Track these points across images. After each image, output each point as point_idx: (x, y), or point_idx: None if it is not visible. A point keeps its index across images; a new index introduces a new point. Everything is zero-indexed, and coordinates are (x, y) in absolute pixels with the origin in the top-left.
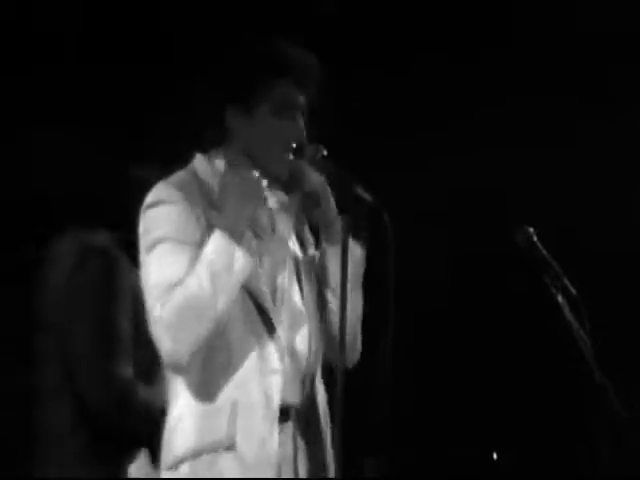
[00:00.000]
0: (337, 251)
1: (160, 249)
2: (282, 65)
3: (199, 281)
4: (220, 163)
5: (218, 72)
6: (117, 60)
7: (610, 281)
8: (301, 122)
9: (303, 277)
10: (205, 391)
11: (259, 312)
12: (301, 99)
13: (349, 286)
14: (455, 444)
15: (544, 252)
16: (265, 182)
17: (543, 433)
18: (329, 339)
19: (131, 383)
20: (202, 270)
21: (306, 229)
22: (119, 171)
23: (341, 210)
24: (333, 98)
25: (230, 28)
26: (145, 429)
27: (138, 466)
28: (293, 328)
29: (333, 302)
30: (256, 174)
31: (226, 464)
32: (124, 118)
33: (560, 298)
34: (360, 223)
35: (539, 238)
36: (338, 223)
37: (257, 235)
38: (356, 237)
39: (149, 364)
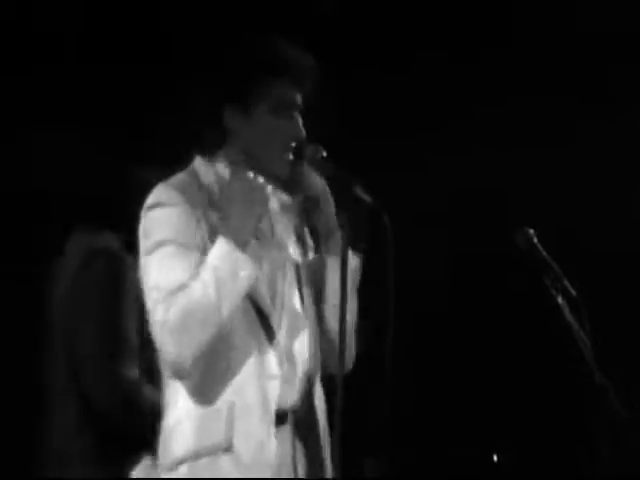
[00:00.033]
0: (335, 260)
1: (161, 252)
2: (278, 64)
3: (204, 287)
4: (220, 165)
5: (215, 72)
6: (117, 60)
7: (610, 282)
8: (299, 121)
9: (303, 282)
10: (204, 394)
11: (259, 316)
12: (298, 98)
13: (340, 292)
14: (455, 444)
15: (544, 253)
16: (270, 188)
17: (543, 433)
18: (326, 345)
19: (136, 384)
20: (207, 276)
21: (306, 233)
22: (120, 172)
23: (341, 210)
24: (333, 98)
25: (230, 28)
26: (150, 430)
27: (142, 467)
28: (292, 332)
29: (331, 308)
30: (260, 180)
31: (224, 466)
32: (124, 118)
33: (560, 299)
34: (359, 234)
35: (539, 239)
36: (337, 230)
37: (257, 238)
38: (354, 248)
39: (155, 365)
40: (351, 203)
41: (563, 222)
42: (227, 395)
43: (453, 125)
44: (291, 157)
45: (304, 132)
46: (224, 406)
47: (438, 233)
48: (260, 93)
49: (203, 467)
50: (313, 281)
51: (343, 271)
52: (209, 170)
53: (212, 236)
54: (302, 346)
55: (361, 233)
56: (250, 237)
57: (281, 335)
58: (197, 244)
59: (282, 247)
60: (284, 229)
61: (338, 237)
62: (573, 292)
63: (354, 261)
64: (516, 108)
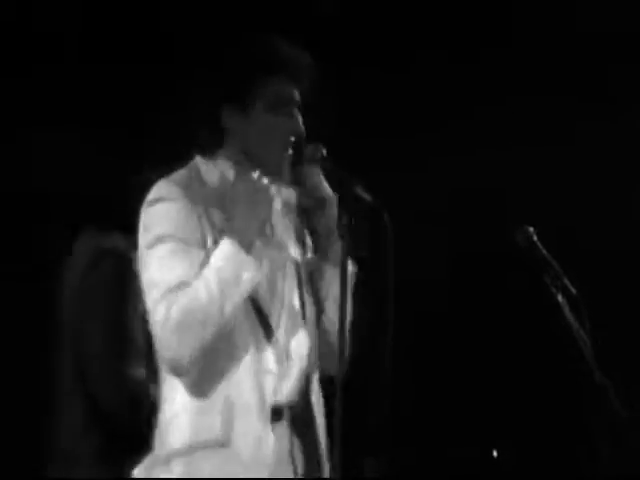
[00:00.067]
0: (330, 266)
1: (161, 248)
2: (274, 62)
3: (207, 286)
4: (224, 164)
5: (212, 72)
6: (117, 60)
7: (610, 281)
8: (298, 117)
9: (303, 281)
10: (201, 389)
11: (258, 314)
12: (296, 94)
13: (335, 305)
14: (455, 444)
15: (544, 252)
16: (273, 189)
17: (543, 433)
18: (324, 345)
19: (142, 384)
20: (210, 276)
21: (306, 233)
22: (120, 172)
23: (343, 214)
24: (333, 98)
25: (230, 28)
26: (146, 423)
27: (143, 466)
28: (291, 331)
29: (330, 311)
30: (265, 181)
31: (221, 461)
32: (124, 118)
33: (560, 298)
34: (359, 243)
35: (539, 238)
36: (337, 234)
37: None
38: (353, 256)
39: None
40: (351, 202)
41: (563, 222)
42: (224, 390)
43: (453, 125)
44: (290, 153)
45: (303, 128)
46: (221, 401)
47: (438, 233)
48: (257, 91)
49: (199, 461)
50: (311, 281)
51: (343, 279)
52: (212, 168)
53: (213, 232)
54: (300, 345)
55: (361, 242)
56: (254, 238)
57: (280, 333)
58: (197, 240)
59: (282, 247)
60: (284, 229)
61: (337, 241)
62: (573, 290)
63: (350, 268)
64: (516, 108)
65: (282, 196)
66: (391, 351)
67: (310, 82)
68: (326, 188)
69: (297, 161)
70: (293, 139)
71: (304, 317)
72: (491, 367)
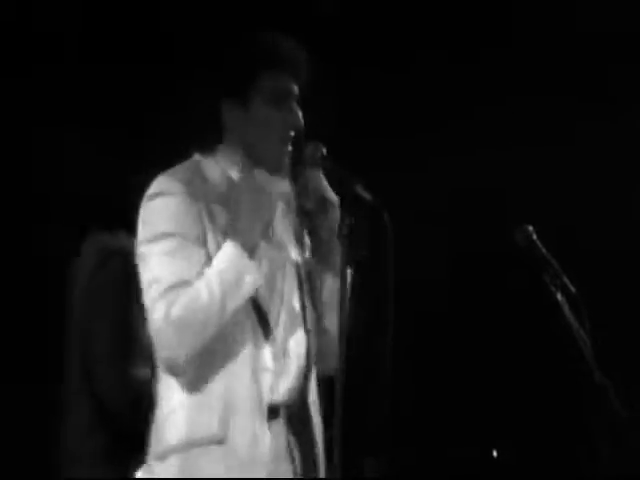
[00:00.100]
0: (326, 271)
1: (162, 245)
2: (272, 56)
3: (209, 287)
4: (222, 159)
5: (211, 69)
6: (117, 60)
7: (610, 280)
8: (298, 112)
9: (303, 282)
10: (198, 386)
11: (257, 313)
12: (294, 88)
13: (333, 305)
14: (455, 444)
15: (543, 251)
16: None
17: (543, 433)
18: (322, 346)
19: (147, 384)
20: (213, 277)
21: (305, 233)
22: (124, 172)
23: (344, 217)
24: (333, 98)
25: (230, 28)
26: (143, 420)
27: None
28: (290, 330)
29: (327, 313)
30: (269, 183)
31: (217, 458)
32: (124, 118)
33: (559, 297)
34: (359, 250)
35: (538, 237)
36: (336, 238)
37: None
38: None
39: None
40: (351, 201)
41: (563, 222)
42: (221, 387)
43: (453, 125)
44: (290, 149)
45: (303, 123)
46: (218, 398)
47: (438, 233)
48: (256, 85)
49: (195, 457)
50: (309, 280)
51: (343, 285)
52: (212, 164)
53: (214, 228)
54: (298, 344)
55: (361, 245)
56: (258, 241)
57: (278, 332)
58: (197, 236)
59: (282, 247)
60: (284, 229)
61: (337, 246)
62: (572, 289)
63: (350, 273)
64: (516, 108)
65: (283, 196)
66: (391, 351)
67: (308, 76)
68: (328, 191)
69: (297, 157)
70: (293, 134)
71: (304, 316)
72: (491, 367)
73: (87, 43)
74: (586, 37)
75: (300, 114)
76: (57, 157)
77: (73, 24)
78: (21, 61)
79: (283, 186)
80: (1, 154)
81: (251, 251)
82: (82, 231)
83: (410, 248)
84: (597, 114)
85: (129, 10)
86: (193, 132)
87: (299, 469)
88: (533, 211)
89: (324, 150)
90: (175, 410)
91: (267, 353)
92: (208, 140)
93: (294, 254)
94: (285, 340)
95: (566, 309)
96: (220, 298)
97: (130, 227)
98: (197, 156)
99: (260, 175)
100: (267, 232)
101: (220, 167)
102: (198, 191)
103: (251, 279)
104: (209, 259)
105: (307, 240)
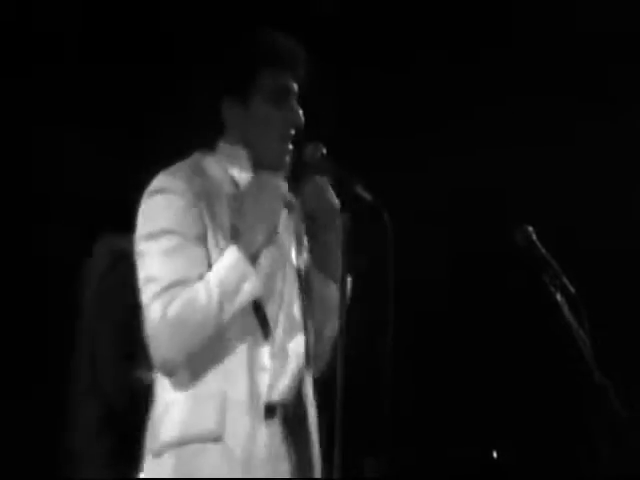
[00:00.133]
0: (324, 275)
1: (161, 242)
2: (271, 53)
3: (208, 291)
4: (223, 157)
5: (212, 66)
6: (117, 60)
7: (609, 280)
8: (298, 109)
9: (303, 282)
10: (196, 383)
11: (256, 312)
12: (294, 85)
13: (326, 309)
14: (455, 444)
15: (543, 251)
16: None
17: (543, 433)
18: (318, 346)
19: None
20: (213, 282)
21: (304, 232)
22: (124, 172)
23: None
24: (333, 98)
25: (230, 28)
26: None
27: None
28: (288, 330)
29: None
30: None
31: (213, 456)
32: (124, 118)
33: (559, 297)
34: (358, 262)
35: (538, 237)
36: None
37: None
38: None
39: None
40: (352, 201)
41: (563, 222)
42: (218, 385)
43: (453, 125)
44: (291, 147)
45: (303, 120)
46: (215, 396)
47: (438, 233)
48: (256, 83)
49: (190, 456)
50: (306, 281)
51: (342, 292)
52: (214, 163)
53: (214, 226)
54: (297, 343)
55: (360, 258)
56: (261, 248)
57: (277, 331)
58: (197, 235)
59: (282, 247)
60: (285, 229)
61: (334, 251)
62: (572, 289)
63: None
64: (516, 108)
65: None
66: (391, 351)
67: (306, 73)
68: (334, 199)
69: (298, 156)
70: (293, 131)
71: (303, 317)
72: (491, 367)
73: (87, 43)
74: (586, 37)
75: (301, 112)
76: (57, 157)
77: (73, 24)
78: (21, 61)
79: (285, 187)
80: (1, 154)
81: (253, 257)
82: (93, 232)
83: (410, 248)
84: (597, 114)
85: (129, 10)
86: (193, 131)
87: (295, 469)
88: (533, 211)
89: (324, 150)
90: (171, 407)
91: (265, 352)
92: (208, 138)
93: (294, 254)
94: (284, 340)
95: (565, 309)
96: (218, 302)
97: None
98: (198, 153)
99: (265, 177)
100: (271, 239)
101: (221, 165)
102: (200, 189)
103: (250, 287)
104: (208, 258)
105: (305, 242)
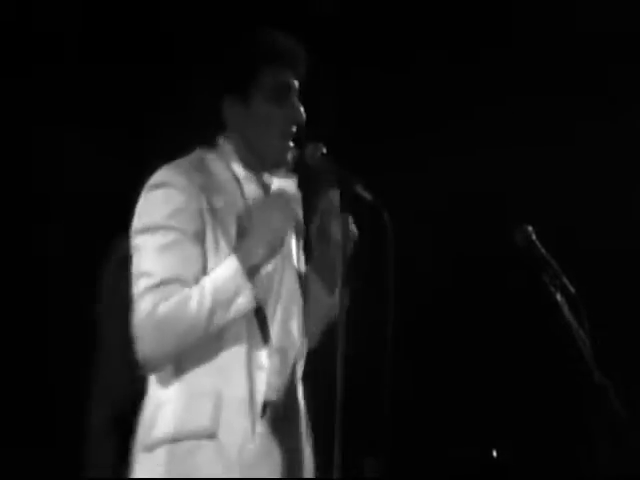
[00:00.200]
0: (316, 282)
1: (158, 237)
2: (270, 51)
3: (201, 297)
4: (224, 155)
5: (212, 65)
6: (117, 60)
7: (609, 280)
8: (299, 107)
9: (301, 284)
10: (191, 380)
11: (256, 312)
12: (295, 83)
13: (320, 312)
14: (455, 444)
15: (543, 251)
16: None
17: (543, 433)
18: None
19: None
20: (207, 288)
21: (301, 240)
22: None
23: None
24: (333, 98)
25: (230, 28)
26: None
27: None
28: (285, 330)
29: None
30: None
31: (206, 453)
32: (124, 118)
33: (559, 297)
34: (355, 281)
35: (538, 237)
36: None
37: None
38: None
39: None
40: (352, 201)
41: (563, 222)
42: (214, 382)
43: (453, 125)
44: (291, 144)
45: (304, 118)
46: (210, 393)
47: (438, 233)
48: (257, 81)
49: (183, 453)
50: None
51: (341, 306)
52: (216, 160)
53: (213, 223)
54: (293, 343)
55: (358, 277)
56: (262, 263)
57: (273, 331)
58: (195, 232)
59: (285, 247)
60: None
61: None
62: (572, 289)
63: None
64: (516, 108)
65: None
66: (391, 351)
67: (306, 71)
68: (353, 228)
69: (300, 155)
70: (294, 129)
71: (300, 317)
72: (491, 367)
73: (87, 43)
74: (586, 37)
75: (302, 109)
76: (57, 157)
77: (73, 24)
78: (21, 61)
79: (297, 203)
80: (1, 154)
81: (254, 269)
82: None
83: (410, 248)
84: (597, 114)
85: (129, 10)
86: (194, 131)
87: (286, 468)
88: (533, 211)
89: (324, 150)
90: (165, 403)
91: (263, 352)
92: (209, 136)
93: (294, 255)
94: (281, 339)
95: (565, 309)
96: (208, 311)
97: None
98: (200, 150)
99: (277, 193)
100: (275, 254)
101: (223, 161)
102: (201, 184)
103: (244, 301)
104: (205, 256)
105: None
